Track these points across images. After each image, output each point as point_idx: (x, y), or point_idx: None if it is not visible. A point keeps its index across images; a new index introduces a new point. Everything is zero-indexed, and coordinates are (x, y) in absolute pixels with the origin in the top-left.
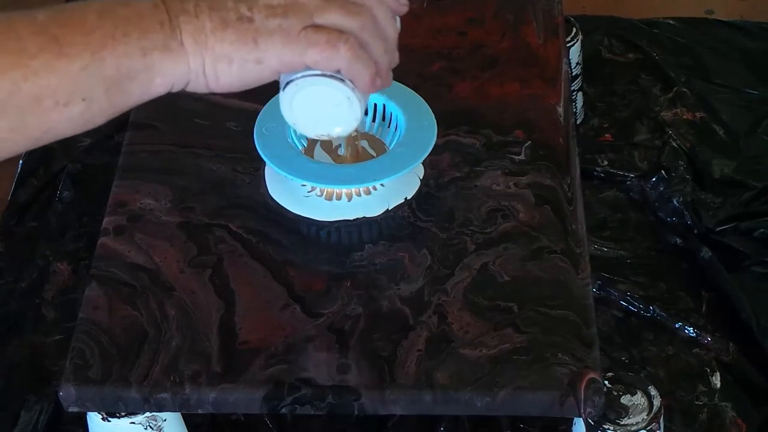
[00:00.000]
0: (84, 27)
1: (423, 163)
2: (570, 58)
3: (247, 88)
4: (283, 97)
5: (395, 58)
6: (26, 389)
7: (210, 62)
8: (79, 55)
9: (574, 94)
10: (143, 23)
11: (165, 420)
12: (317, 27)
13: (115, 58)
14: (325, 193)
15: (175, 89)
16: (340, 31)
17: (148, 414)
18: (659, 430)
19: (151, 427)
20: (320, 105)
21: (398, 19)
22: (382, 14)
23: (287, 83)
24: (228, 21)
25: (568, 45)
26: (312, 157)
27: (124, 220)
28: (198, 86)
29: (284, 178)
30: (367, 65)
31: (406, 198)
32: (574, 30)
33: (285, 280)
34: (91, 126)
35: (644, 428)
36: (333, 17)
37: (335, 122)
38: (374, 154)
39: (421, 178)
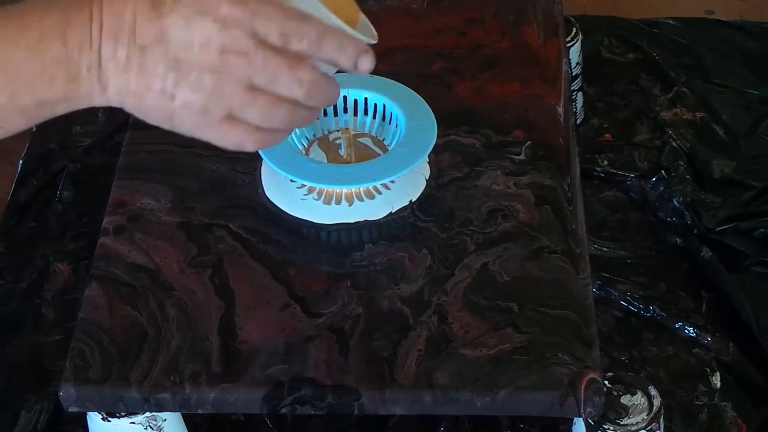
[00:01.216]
0: (9, 69)
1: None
2: (570, 58)
3: None
4: None
5: (331, 98)
6: (26, 389)
7: (128, 109)
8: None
9: (574, 94)
10: (70, 66)
11: (165, 420)
12: (232, 120)
13: (37, 97)
14: (324, 196)
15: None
16: (255, 128)
17: (148, 414)
18: (659, 430)
19: (151, 427)
20: None
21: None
22: (310, 103)
23: None
24: (151, 90)
25: (568, 45)
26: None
27: (124, 220)
28: None
29: (281, 181)
30: (277, 140)
31: (411, 201)
32: (574, 30)
33: (285, 280)
34: (5, 136)
35: (644, 428)
36: (253, 117)
37: None
38: (380, 152)
39: (427, 178)
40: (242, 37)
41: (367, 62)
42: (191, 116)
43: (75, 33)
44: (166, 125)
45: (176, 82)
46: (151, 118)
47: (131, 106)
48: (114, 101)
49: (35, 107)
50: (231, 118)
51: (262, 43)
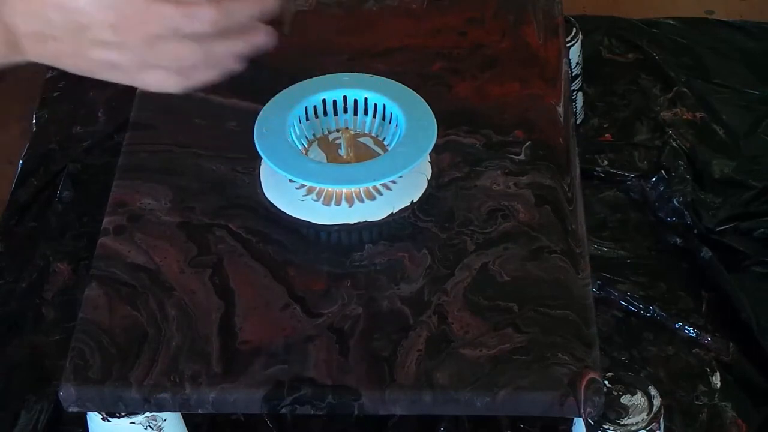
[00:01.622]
0: None
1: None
2: (570, 58)
3: None
4: None
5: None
6: (26, 389)
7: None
8: None
9: (574, 94)
10: None
11: (165, 420)
12: (148, 68)
13: None
14: (323, 196)
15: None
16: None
17: (148, 414)
18: (659, 430)
19: (151, 427)
20: None
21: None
22: (225, 20)
23: None
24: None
25: (568, 45)
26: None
27: (124, 220)
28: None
29: (281, 181)
30: (229, 50)
31: (412, 201)
32: (574, 30)
33: (285, 280)
34: None
35: (644, 428)
36: (165, 62)
37: None
38: (380, 152)
39: (429, 178)
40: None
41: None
42: (107, 70)
43: None
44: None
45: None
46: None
47: (46, 53)
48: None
49: None
50: (146, 65)
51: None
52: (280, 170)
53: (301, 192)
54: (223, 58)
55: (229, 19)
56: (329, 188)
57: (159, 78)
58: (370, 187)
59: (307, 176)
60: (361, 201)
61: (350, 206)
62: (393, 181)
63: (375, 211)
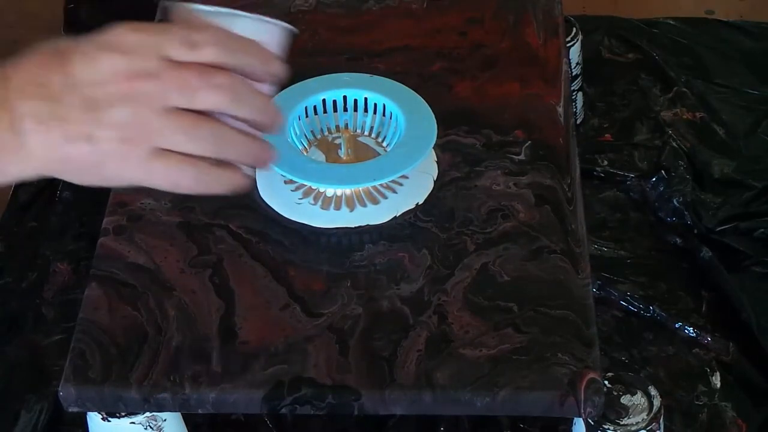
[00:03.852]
0: None
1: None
2: (570, 58)
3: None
4: None
5: (271, 128)
6: (26, 389)
7: (56, 171)
8: None
9: (574, 94)
10: None
11: (165, 420)
12: (162, 153)
13: None
14: (321, 201)
15: (25, 180)
16: (187, 156)
17: (148, 414)
18: (659, 430)
19: (151, 427)
20: None
21: None
22: (242, 110)
23: None
24: (73, 138)
25: (568, 45)
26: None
27: (124, 220)
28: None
29: (279, 186)
30: (217, 182)
31: (417, 204)
32: (574, 30)
33: (285, 280)
34: None
35: (644, 428)
36: (177, 143)
37: None
38: (380, 152)
39: (435, 178)
40: (149, 60)
41: (278, 65)
42: (118, 156)
43: None
44: (96, 179)
45: (97, 122)
46: (80, 175)
47: (58, 166)
48: (37, 163)
49: None
50: (159, 151)
51: (171, 62)
52: (279, 170)
53: (297, 195)
54: (237, 145)
55: (244, 88)
56: (327, 188)
57: (171, 167)
58: (373, 191)
59: (305, 176)
60: (364, 205)
61: (351, 210)
62: (399, 184)
63: (378, 216)
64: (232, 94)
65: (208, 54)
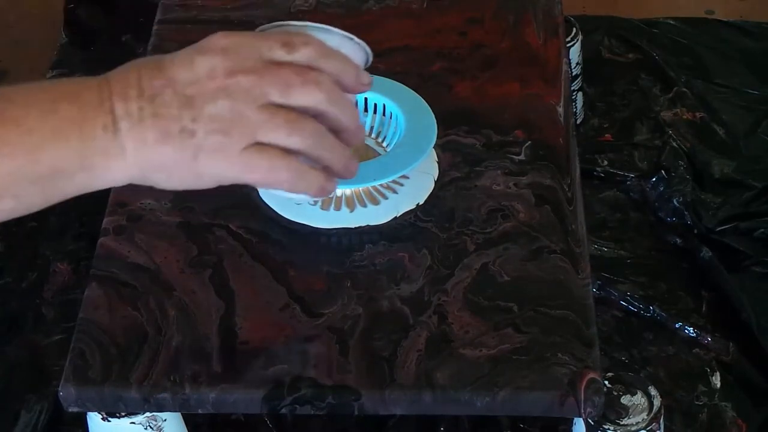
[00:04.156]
0: (23, 126)
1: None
2: (570, 58)
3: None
4: None
5: (358, 139)
6: (26, 389)
7: (149, 172)
8: (14, 154)
9: (574, 94)
10: (85, 126)
11: (165, 420)
12: (260, 147)
13: (51, 160)
14: (321, 201)
15: (118, 185)
16: (284, 152)
17: (148, 414)
18: (659, 430)
19: (151, 427)
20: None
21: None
22: (335, 111)
23: None
24: (170, 133)
25: (568, 45)
26: None
27: (124, 220)
28: (141, 183)
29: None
30: (312, 182)
31: (417, 204)
32: (574, 30)
33: (285, 280)
34: (22, 215)
35: (644, 428)
36: (276, 137)
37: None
38: (380, 152)
39: (436, 178)
40: (247, 59)
41: (367, 77)
42: (216, 150)
43: (87, 97)
44: (191, 177)
45: (193, 117)
46: (175, 174)
47: (153, 165)
48: (132, 165)
49: (50, 176)
50: (257, 145)
51: (268, 60)
52: None
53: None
54: (330, 144)
55: (337, 89)
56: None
57: (270, 158)
58: (373, 192)
59: None
60: (364, 205)
61: (351, 211)
62: (400, 184)
63: (378, 216)
64: (328, 93)
65: (304, 55)
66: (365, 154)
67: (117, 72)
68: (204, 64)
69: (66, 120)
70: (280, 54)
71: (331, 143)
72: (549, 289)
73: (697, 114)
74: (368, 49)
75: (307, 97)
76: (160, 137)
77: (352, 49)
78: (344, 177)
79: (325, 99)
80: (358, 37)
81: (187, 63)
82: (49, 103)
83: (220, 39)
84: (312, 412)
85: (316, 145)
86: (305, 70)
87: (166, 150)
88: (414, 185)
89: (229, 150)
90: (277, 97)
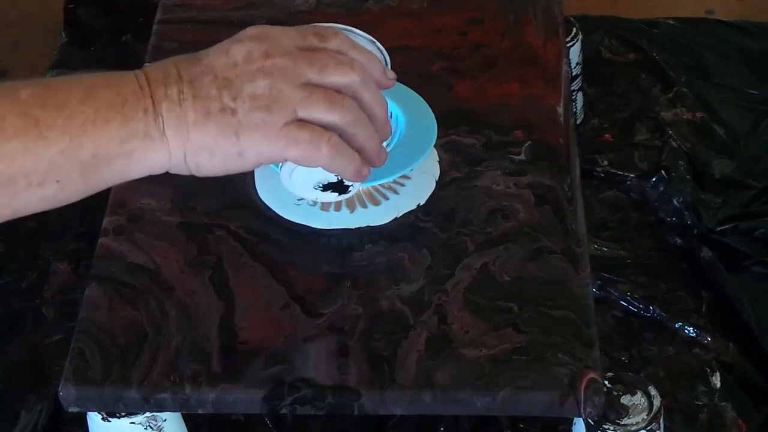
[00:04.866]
0: (65, 110)
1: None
2: (570, 58)
3: (230, 173)
4: (283, 169)
5: (387, 133)
6: (26, 389)
7: (191, 154)
8: (57, 139)
9: (574, 94)
10: (126, 109)
11: (165, 420)
12: (300, 123)
13: (93, 144)
14: (320, 202)
15: (156, 173)
16: (323, 128)
17: (148, 414)
18: (659, 430)
19: (151, 427)
20: (318, 176)
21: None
22: (368, 96)
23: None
24: (210, 112)
25: (568, 45)
26: None
27: (124, 220)
28: (180, 171)
29: (278, 186)
30: (350, 160)
31: (418, 204)
32: (574, 30)
33: (285, 280)
34: (64, 204)
35: (644, 428)
36: (316, 112)
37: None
38: None
39: (437, 179)
40: (282, 44)
41: (392, 73)
42: (257, 126)
43: (125, 84)
44: (232, 157)
45: (233, 96)
46: (218, 152)
47: (195, 145)
48: (174, 148)
49: (91, 161)
50: (297, 121)
51: (302, 47)
52: (277, 169)
53: (295, 196)
54: (364, 123)
55: (367, 70)
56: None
57: (310, 132)
58: (374, 192)
59: None
60: (364, 206)
61: (351, 212)
62: (401, 184)
63: (379, 216)
64: (362, 75)
65: (334, 44)
66: None
67: (152, 64)
68: (240, 50)
69: (106, 104)
70: (313, 42)
71: (366, 122)
72: (549, 289)
73: (697, 114)
74: (387, 55)
75: (342, 77)
76: (201, 117)
77: (375, 51)
78: (376, 163)
79: (359, 80)
80: None
81: (222, 52)
82: (88, 89)
83: (253, 29)
84: (312, 412)
85: (354, 122)
86: (336, 54)
87: (208, 128)
88: (415, 185)
89: (270, 126)
90: (313, 76)
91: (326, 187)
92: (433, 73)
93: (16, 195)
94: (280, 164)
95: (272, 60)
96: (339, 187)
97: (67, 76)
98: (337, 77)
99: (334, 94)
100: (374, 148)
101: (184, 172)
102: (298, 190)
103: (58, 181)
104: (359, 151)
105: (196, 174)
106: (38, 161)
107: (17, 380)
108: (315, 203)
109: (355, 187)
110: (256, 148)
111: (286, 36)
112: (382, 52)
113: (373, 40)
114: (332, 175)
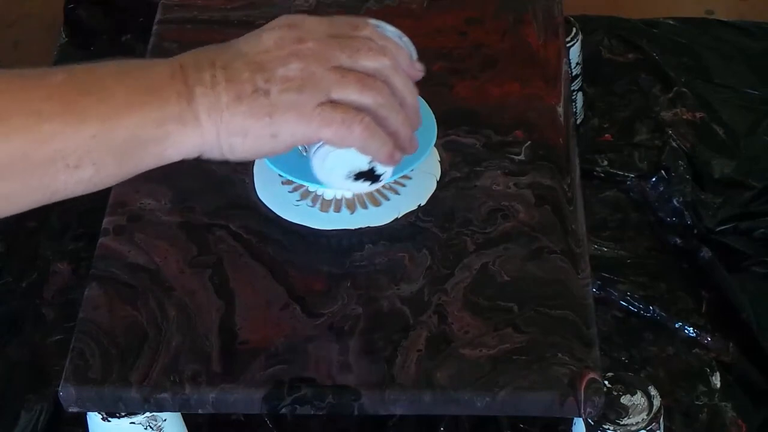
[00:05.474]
0: (101, 93)
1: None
2: (570, 58)
3: (262, 157)
4: (315, 157)
5: (417, 122)
6: (26, 389)
7: (225, 136)
8: (92, 121)
9: (574, 94)
10: (160, 93)
11: (165, 420)
12: (333, 104)
13: (128, 127)
14: (319, 203)
15: (189, 157)
16: (356, 109)
17: (148, 414)
18: (659, 430)
19: (151, 427)
20: (351, 163)
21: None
22: (399, 82)
23: (319, 146)
24: (243, 94)
25: (568, 45)
26: None
27: (124, 220)
28: (213, 155)
29: (278, 186)
30: (383, 142)
31: (419, 205)
32: (574, 30)
33: (285, 280)
34: (100, 188)
35: (644, 428)
36: (349, 93)
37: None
38: None
39: (438, 179)
40: (313, 31)
41: (420, 65)
42: (291, 107)
43: (158, 70)
44: (265, 138)
45: (266, 79)
46: (252, 134)
47: (228, 128)
48: (207, 131)
49: (126, 144)
50: (330, 102)
51: (332, 34)
52: (277, 169)
53: (295, 196)
54: (395, 107)
55: (397, 58)
56: (326, 190)
57: (343, 112)
58: (374, 193)
59: (303, 177)
60: (365, 207)
61: (351, 213)
62: (402, 185)
63: (379, 217)
64: (393, 61)
65: (366, 33)
66: None
67: (184, 53)
68: (272, 36)
69: (141, 88)
70: (344, 29)
71: (398, 107)
72: (549, 289)
73: (697, 114)
74: (414, 49)
75: (374, 61)
76: (234, 99)
77: (403, 45)
78: (408, 149)
79: (390, 65)
80: None
81: (254, 39)
82: (122, 74)
83: (285, 18)
84: (312, 412)
85: (386, 105)
86: (368, 41)
87: (241, 110)
88: (416, 186)
89: (303, 107)
90: (345, 60)
91: (358, 176)
92: (433, 73)
93: (54, 178)
94: (312, 153)
95: (304, 44)
96: (371, 176)
97: (99, 63)
98: (368, 61)
99: (367, 77)
100: (407, 133)
101: (216, 155)
102: (331, 178)
103: (94, 164)
104: (391, 136)
105: (230, 157)
106: (74, 143)
107: (17, 380)
108: (313, 205)
109: (387, 176)
110: (289, 129)
111: (317, 23)
112: (410, 47)
113: (401, 33)
114: (364, 162)
